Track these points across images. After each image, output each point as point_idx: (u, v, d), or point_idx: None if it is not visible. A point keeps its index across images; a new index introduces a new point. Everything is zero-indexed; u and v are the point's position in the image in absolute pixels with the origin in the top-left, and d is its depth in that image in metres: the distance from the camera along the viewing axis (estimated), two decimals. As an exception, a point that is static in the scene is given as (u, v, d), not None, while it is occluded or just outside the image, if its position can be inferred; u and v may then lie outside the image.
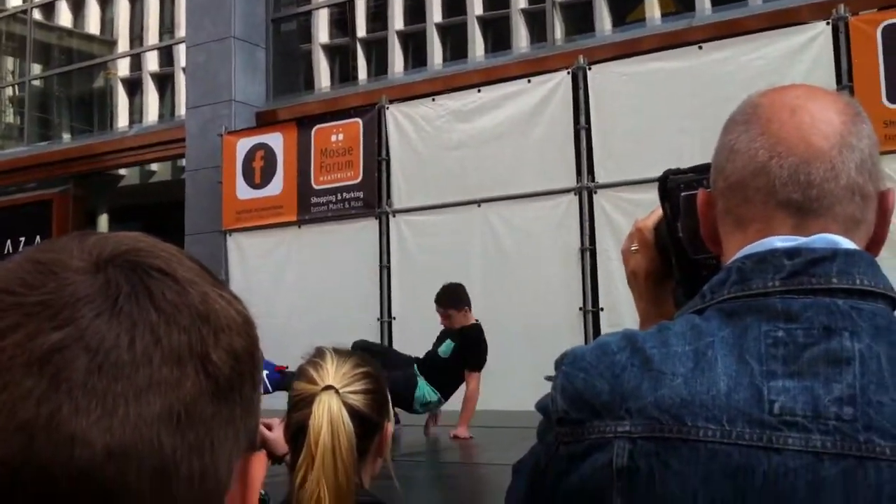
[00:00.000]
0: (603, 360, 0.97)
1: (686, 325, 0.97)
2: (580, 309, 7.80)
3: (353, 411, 1.62)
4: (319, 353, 1.69)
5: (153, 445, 0.50)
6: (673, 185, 1.22)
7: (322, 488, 1.52)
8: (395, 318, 8.66)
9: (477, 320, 7.05)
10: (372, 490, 1.70)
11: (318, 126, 9.41)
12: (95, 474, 0.48)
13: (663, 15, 9.25)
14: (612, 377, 0.95)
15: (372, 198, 8.95)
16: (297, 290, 9.12)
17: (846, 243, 0.97)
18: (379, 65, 11.27)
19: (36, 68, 14.73)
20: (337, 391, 1.61)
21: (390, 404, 1.75)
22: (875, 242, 1.02)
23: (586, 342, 6.77)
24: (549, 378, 1.04)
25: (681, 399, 0.91)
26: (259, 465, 0.49)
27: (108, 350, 0.50)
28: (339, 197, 9.16)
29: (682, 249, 1.20)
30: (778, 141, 0.98)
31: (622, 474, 0.92)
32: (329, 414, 1.57)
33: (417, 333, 8.29)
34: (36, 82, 14.72)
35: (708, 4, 8.83)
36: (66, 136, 14.12)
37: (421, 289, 8.31)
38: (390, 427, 1.72)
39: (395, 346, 8.34)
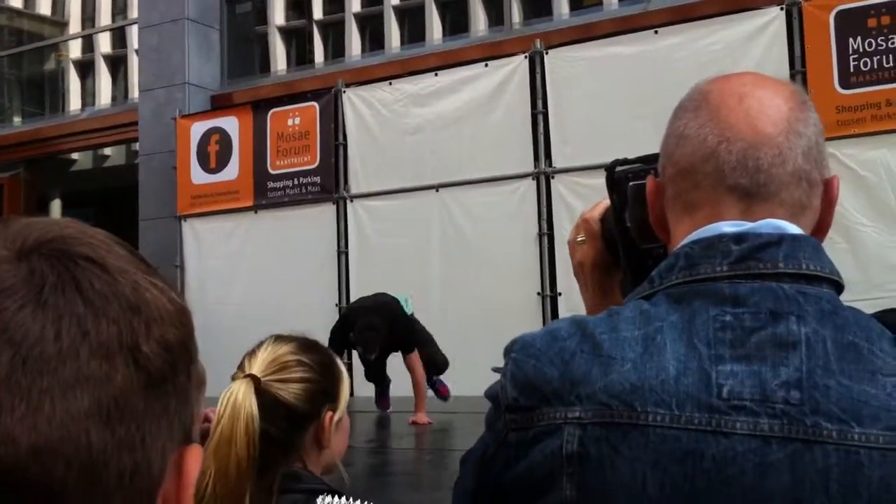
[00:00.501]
0: (553, 347, 0.97)
1: (635, 311, 0.97)
2: (538, 294, 7.84)
3: (275, 401, 1.59)
4: (262, 341, 1.68)
5: (81, 442, 0.48)
6: (620, 175, 1.22)
7: (208, 476, 1.51)
8: (352, 304, 8.62)
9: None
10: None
11: (274, 110, 9.32)
12: (20, 473, 0.46)
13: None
14: (561, 363, 0.95)
15: (329, 183, 8.89)
16: (254, 275, 9.06)
17: (792, 228, 0.98)
18: (336, 48, 11.19)
19: (-15, 50, 14.42)
20: (257, 380, 1.59)
21: (338, 394, 1.72)
22: (820, 229, 1.03)
23: (544, 326, 6.79)
24: (497, 370, 1.04)
25: (630, 384, 0.91)
26: (195, 457, 0.47)
27: (33, 344, 0.48)
28: (296, 182, 9.10)
29: (629, 239, 1.20)
30: (727, 127, 0.99)
31: (572, 460, 0.92)
32: (233, 402, 1.55)
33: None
34: (-15, 64, 14.41)
35: (664, -12, 8.87)
36: (17, 120, 13.85)
37: (379, 274, 8.30)
38: (332, 416, 1.68)
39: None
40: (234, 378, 1.62)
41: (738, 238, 0.96)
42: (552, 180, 7.86)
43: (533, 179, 7.94)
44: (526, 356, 0.98)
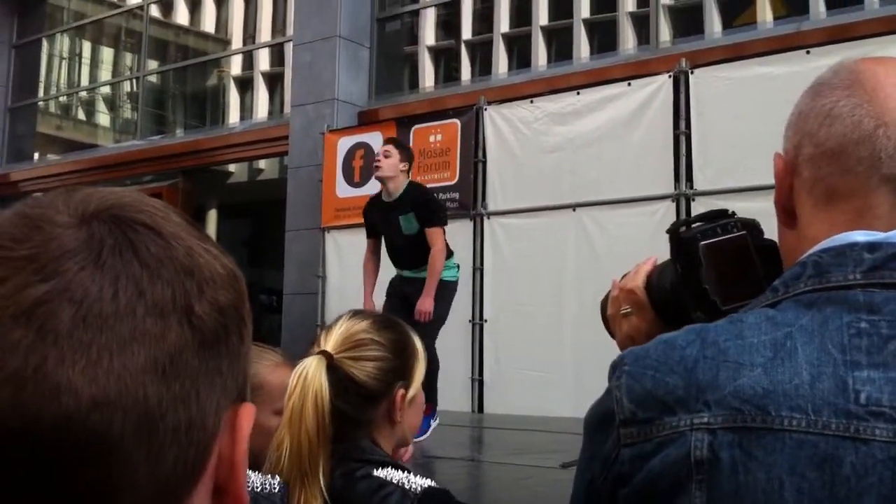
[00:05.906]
0: (671, 356, 0.95)
1: (760, 317, 0.94)
2: (674, 318, 7.64)
3: (347, 377, 1.62)
4: (339, 316, 1.71)
5: (138, 395, 0.51)
6: (688, 237, 1.18)
7: (283, 449, 1.54)
8: (486, 321, 8.59)
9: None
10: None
11: (416, 126, 9.47)
12: (81, 423, 0.49)
13: (776, 18, 8.98)
14: (684, 371, 0.93)
15: (467, 199, 8.96)
16: (391, 288, 9.18)
17: None
18: (483, 66, 11.30)
19: (152, 65, 15.27)
20: (329, 356, 1.62)
21: (411, 371, 1.73)
22: None
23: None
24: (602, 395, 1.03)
25: (762, 389, 0.88)
26: (247, 414, 0.51)
27: (93, 302, 0.51)
28: (436, 197, 9.20)
29: (709, 302, 1.15)
30: (886, 111, 0.94)
31: (702, 466, 0.89)
32: (303, 379, 1.58)
33: (509, 336, 8.27)
34: (152, 78, 15.26)
35: (822, 8, 8.52)
36: (179, 132, 14.61)
37: (513, 292, 8.29)
38: (404, 394, 1.70)
39: (486, 350, 8.34)
40: (308, 354, 1.66)
41: (872, 247, 0.92)
42: (692, 202, 7.65)
43: (672, 201, 7.75)
44: (642, 368, 0.96)
